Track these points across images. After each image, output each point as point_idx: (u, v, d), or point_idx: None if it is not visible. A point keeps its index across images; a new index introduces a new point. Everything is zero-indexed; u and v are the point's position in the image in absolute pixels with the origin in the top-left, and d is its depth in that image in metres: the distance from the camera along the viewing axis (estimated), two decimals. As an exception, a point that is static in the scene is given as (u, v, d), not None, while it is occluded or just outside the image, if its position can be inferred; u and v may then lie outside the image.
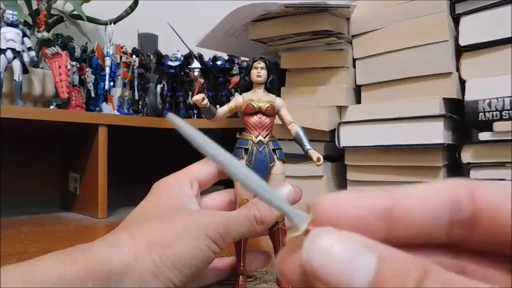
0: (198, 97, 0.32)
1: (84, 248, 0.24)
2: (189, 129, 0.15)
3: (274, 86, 0.35)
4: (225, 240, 0.28)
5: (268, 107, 0.33)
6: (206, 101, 0.33)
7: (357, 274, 0.11)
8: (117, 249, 0.24)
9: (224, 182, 0.36)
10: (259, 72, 0.33)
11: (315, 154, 0.33)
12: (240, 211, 0.30)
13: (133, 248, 0.25)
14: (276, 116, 0.35)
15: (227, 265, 0.35)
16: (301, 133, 0.34)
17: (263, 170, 0.33)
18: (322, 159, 0.33)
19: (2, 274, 0.21)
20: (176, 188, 0.31)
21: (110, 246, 0.25)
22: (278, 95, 0.35)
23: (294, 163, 0.66)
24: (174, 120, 0.15)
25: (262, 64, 0.34)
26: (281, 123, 0.35)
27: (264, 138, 0.33)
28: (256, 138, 0.33)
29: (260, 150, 0.33)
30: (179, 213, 0.28)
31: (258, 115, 0.33)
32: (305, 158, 0.37)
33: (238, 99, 0.34)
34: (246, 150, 0.33)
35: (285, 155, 0.34)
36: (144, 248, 0.25)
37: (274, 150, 0.33)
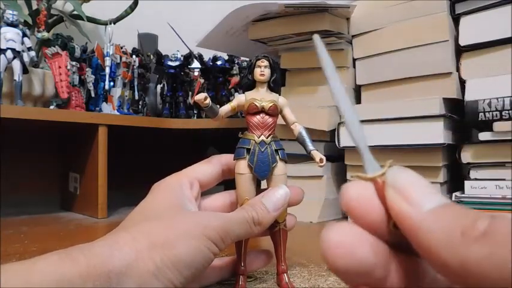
0: (200, 96, 0.32)
1: (84, 248, 0.24)
2: (324, 54, 0.18)
3: (278, 85, 0.34)
4: (225, 241, 0.28)
5: (271, 106, 0.33)
6: (208, 100, 0.32)
7: (426, 197, 0.13)
8: (117, 249, 0.24)
9: (225, 182, 0.36)
10: (262, 71, 0.33)
11: (318, 155, 0.32)
12: (237, 213, 0.30)
13: (133, 248, 0.25)
14: (279, 116, 0.34)
15: (228, 265, 0.35)
16: (304, 133, 0.33)
17: (265, 171, 0.32)
18: (325, 160, 0.32)
19: (2, 273, 0.21)
20: (175, 189, 0.31)
21: (111, 246, 0.25)
22: (278, 94, 0.35)
23: (293, 163, 0.66)
24: (316, 40, 0.17)
25: (266, 62, 0.33)
26: (284, 123, 0.35)
27: (267, 138, 0.33)
28: (258, 138, 0.33)
29: (262, 150, 0.32)
30: (179, 214, 0.28)
31: (261, 114, 0.33)
32: (305, 158, 0.37)
33: (240, 98, 0.34)
34: (248, 150, 0.32)
35: (287, 156, 0.34)
36: (145, 249, 0.25)
37: (276, 150, 0.33)
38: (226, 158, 0.35)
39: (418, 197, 0.14)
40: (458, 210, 0.13)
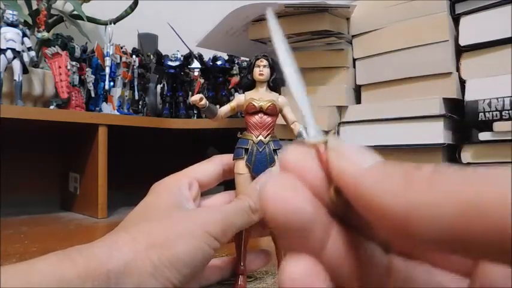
0: (195, 98, 0.32)
1: (83, 248, 0.24)
2: (277, 35, 0.18)
3: (278, 84, 0.34)
4: (226, 234, 0.28)
5: (269, 106, 0.33)
6: (204, 101, 0.32)
7: (366, 158, 0.14)
8: (116, 249, 0.24)
9: (225, 182, 0.36)
10: (261, 71, 0.33)
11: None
12: (234, 204, 0.30)
13: (132, 248, 0.25)
14: (280, 116, 0.34)
15: (228, 265, 0.35)
16: (304, 133, 0.34)
17: (263, 171, 0.32)
18: None
19: (2, 274, 0.21)
20: (174, 189, 0.31)
21: (110, 246, 0.25)
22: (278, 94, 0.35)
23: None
24: (269, 16, 0.17)
25: (265, 62, 0.33)
26: (284, 123, 0.35)
27: (265, 138, 0.33)
28: (256, 138, 0.33)
29: (260, 150, 0.32)
30: (178, 214, 0.29)
31: (259, 114, 0.33)
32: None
33: (240, 98, 0.34)
34: (246, 150, 0.33)
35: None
36: (143, 249, 0.25)
37: (275, 150, 0.33)
38: (227, 158, 0.35)
39: (358, 156, 0.14)
40: (398, 163, 0.13)
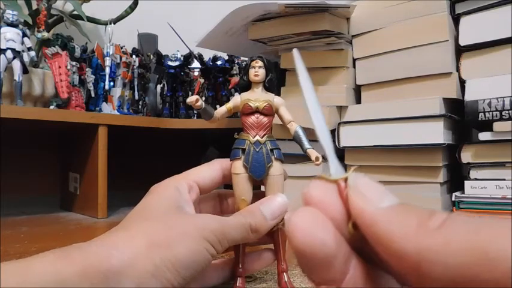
0: (191, 99, 0.32)
1: (81, 247, 0.24)
2: (301, 69, 0.19)
3: (273, 84, 0.34)
4: (222, 244, 0.28)
5: (265, 106, 0.33)
6: (200, 102, 0.32)
7: (384, 197, 0.15)
8: (116, 249, 0.24)
9: (225, 186, 0.36)
10: (256, 72, 0.33)
11: (313, 153, 0.32)
12: (236, 218, 0.30)
13: (132, 248, 0.25)
14: (277, 116, 0.34)
15: (228, 266, 0.35)
16: (301, 132, 0.33)
17: (260, 171, 0.32)
18: (321, 159, 0.32)
19: (1, 272, 0.20)
20: (173, 191, 0.31)
21: (109, 245, 0.25)
22: (278, 95, 0.35)
23: (293, 163, 0.66)
24: (295, 54, 0.19)
25: (260, 63, 0.33)
26: (281, 123, 0.35)
27: (262, 138, 0.33)
28: (253, 138, 0.33)
29: (257, 150, 0.32)
30: (177, 216, 0.28)
31: (256, 115, 0.33)
32: (303, 157, 0.37)
33: (236, 99, 0.34)
34: (243, 150, 0.33)
35: (284, 155, 0.34)
36: (144, 249, 0.25)
37: (272, 150, 0.33)
38: (227, 163, 0.34)
39: (377, 195, 0.15)
40: (413, 207, 0.14)
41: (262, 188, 0.34)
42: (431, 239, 0.12)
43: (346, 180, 0.16)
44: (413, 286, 0.16)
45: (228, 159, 0.34)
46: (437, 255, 0.12)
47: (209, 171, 0.34)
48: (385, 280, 0.16)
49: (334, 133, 0.66)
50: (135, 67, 0.93)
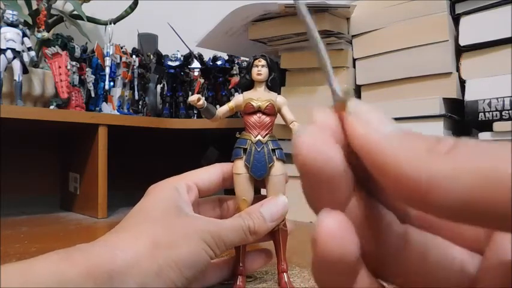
0: (193, 98, 0.32)
1: (84, 247, 0.24)
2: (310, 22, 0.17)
3: (276, 84, 0.34)
4: (219, 247, 0.28)
5: (267, 105, 0.33)
6: (202, 101, 0.32)
7: (386, 123, 0.14)
8: (119, 249, 0.24)
9: (226, 190, 0.36)
10: (259, 70, 0.33)
11: None
12: (234, 220, 0.30)
13: (136, 248, 0.25)
14: (278, 116, 0.34)
15: (228, 265, 0.35)
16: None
17: (262, 171, 0.32)
18: None
19: (2, 273, 0.20)
20: (172, 191, 0.31)
21: (112, 246, 0.25)
22: (277, 93, 0.35)
23: (293, 163, 0.66)
24: (301, 5, 0.17)
25: (263, 62, 0.33)
26: (283, 123, 0.35)
27: (263, 137, 0.33)
28: (255, 137, 0.33)
29: (259, 150, 0.32)
30: (176, 217, 0.29)
31: (258, 114, 0.33)
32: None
33: (238, 99, 0.34)
34: (245, 150, 0.32)
35: (286, 155, 0.34)
36: (147, 249, 0.25)
37: (273, 150, 0.33)
38: (228, 166, 0.34)
39: (379, 121, 0.14)
40: (419, 133, 0.13)
41: (263, 192, 0.34)
42: (442, 164, 0.12)
43: (345, 105, 0.15)
44: (414, 222, 0.16)
45: (229, 163, 0.34)
46: (447, 180, 0.11)
47: (209, 174, 0.34)
48: (387, 217, 0.15)
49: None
50: (135, 67, 0.93)
